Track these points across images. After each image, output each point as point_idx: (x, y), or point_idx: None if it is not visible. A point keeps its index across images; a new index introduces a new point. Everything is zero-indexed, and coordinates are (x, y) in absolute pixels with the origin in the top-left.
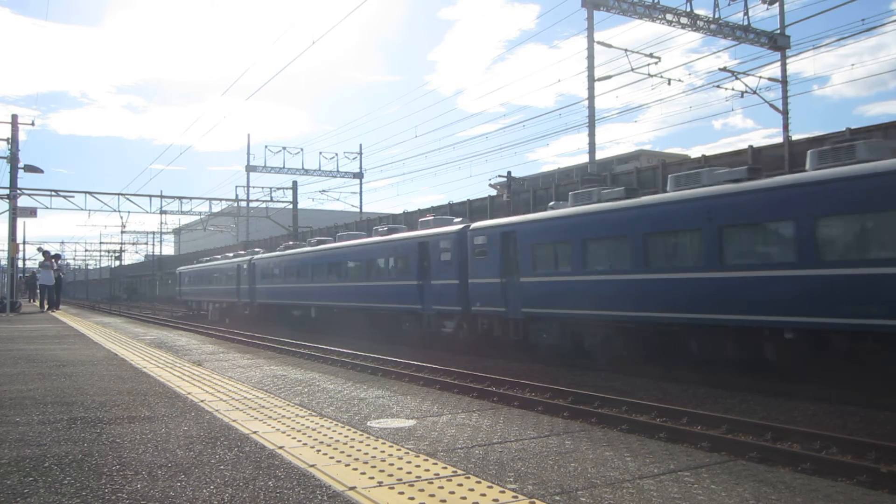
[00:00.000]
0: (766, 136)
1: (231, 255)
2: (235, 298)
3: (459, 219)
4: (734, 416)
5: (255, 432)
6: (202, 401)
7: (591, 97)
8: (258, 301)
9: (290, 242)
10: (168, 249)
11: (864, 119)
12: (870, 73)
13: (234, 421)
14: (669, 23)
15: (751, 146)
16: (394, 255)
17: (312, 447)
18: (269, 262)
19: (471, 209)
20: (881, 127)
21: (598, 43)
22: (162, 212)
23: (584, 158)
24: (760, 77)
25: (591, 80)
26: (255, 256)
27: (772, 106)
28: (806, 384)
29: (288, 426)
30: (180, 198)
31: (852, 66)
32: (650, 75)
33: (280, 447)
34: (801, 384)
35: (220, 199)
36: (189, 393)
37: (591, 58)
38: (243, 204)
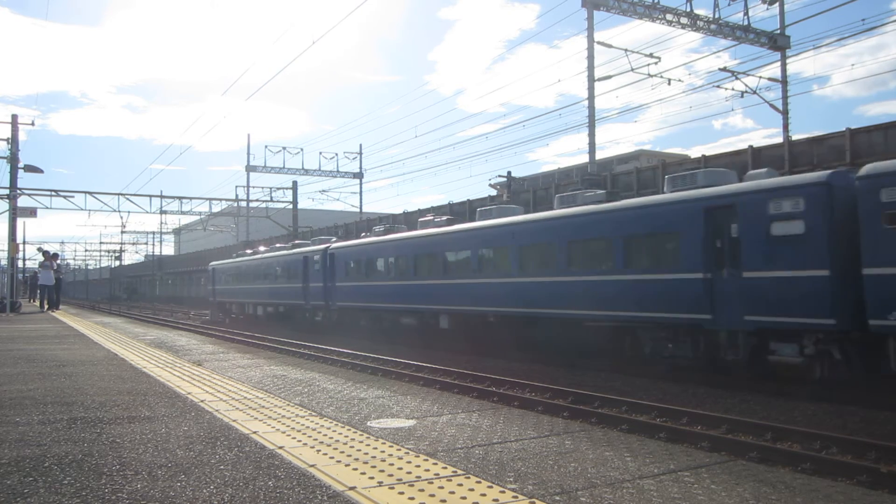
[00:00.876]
0: (766, 135)
1: (281, 245)
2: (301, 300)
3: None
4: (734, 416)
5: (255, 432)
6: (202, 401)
7: (591, 97)
8: (339, 304)
9: (391, 225)
10: (168, 249)
11: (864, 119)
12: (870, 73)
13: (234, 421)
14: (669, 23)
15: (751, 146)
16: (658, 228)
17: (312, 447)
18: (361, 251)
19: (470, 209)
20: (881, 127)
21: (598, 43)
22: (162, 212)
23: (584, 158)
24: (760, 77)
25: (591, 80)
26: (333, 245)
27: (772, 106)
28: (806, 384)
29: (288, 426)
30: (180, 198)
31: (852, 66)
32: (650, 75)
33: (280, 447)
34: (801, 384)
35: (221, 199)
36: (189, 393)
37: (591, 58)
38: (243, 204)
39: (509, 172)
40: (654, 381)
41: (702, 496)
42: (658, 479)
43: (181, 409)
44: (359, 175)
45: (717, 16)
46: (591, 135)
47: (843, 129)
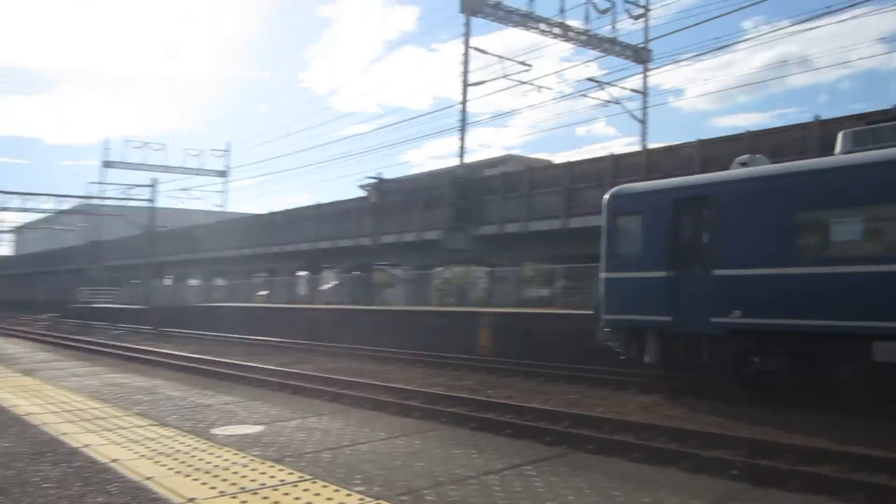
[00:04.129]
0: (626, 143)
1: None
2: None
3: None
4: (577, 410)
5: (86, 445)
6: (28, 413)
7: (464, 101)
8: None
9: None
10: (5, 250)
11: (715, 130)
12: (722, 88)
13: (63, 434)
14: (543, 32)
15: (611, 154)
16: None
17: (150, 458)
18: None
19: (338, 210)
20: (727, 139)
21: (474, 49)
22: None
23: (456, 161)
24: (624, 88)
25: (466, 84)
26: None
27: (632, 115)
28: (636, 368)
29: (125, 437)
30: (22, 193)
31: (705, 80)
32: (522, 82)
33: (114, 460)
34: (632, 375)
35: (70, 196)
36: (14, 405)
37: (466, 63)
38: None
39: (380, 174)
40: (508, 378)
41: (542, 488)
42: (501, 474)
43: (1, 423)
44: (223, 173)
45: (587, 27)
46: (462, 138)
47: (695, 139)
